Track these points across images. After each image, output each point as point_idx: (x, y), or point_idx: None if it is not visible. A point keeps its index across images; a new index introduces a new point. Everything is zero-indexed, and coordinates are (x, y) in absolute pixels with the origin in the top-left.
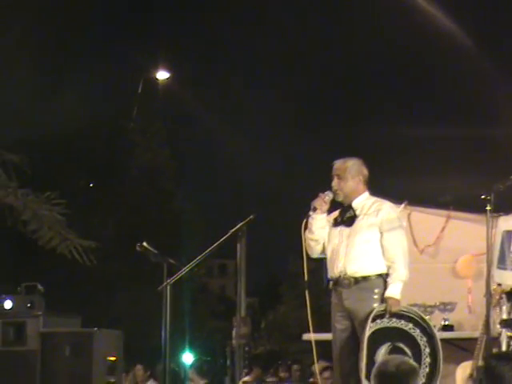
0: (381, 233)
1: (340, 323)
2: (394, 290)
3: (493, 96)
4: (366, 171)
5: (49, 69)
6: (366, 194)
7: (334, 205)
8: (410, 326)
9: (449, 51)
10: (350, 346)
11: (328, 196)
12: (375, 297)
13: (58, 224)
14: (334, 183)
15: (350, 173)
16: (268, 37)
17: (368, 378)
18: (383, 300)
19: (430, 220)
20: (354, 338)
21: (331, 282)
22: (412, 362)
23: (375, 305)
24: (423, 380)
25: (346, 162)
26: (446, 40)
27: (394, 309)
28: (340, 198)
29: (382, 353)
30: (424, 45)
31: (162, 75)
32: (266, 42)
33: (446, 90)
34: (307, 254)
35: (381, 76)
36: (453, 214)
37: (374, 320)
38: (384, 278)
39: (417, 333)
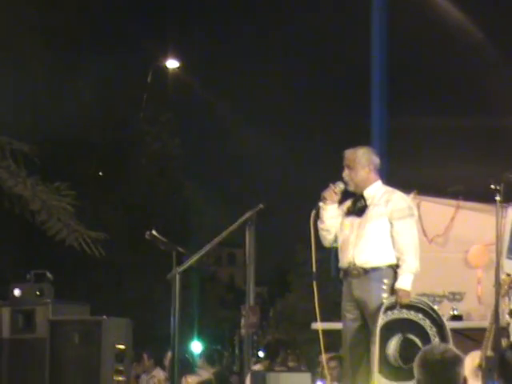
0: (391, 223)
1: (350, 313)
2: (404, 282)
3: (504, 86)
4: (376, 160)
5: (59, 58)
6: (379, 182)
7: (346, 194)
8: (420, 316)
9: (460, 41)
10: (360, 335)
11: (339, 187)
12: (384, 287)
13: (66, 215)
14: (345, 173)
15: (360, 163)
16: (280, 23)
17: (381, 371)
18: (393, 290)
19: (439, 210)
20: (364, 327)
21: (341, 272)
22: (456, 349)
23: (384, 295)
24: None
25: (355, 151)
26: (456, 29)
27: (405, 300)
28: (351, 188)
29: (393, 344)
30: (434, 34)
31: (172, 64)
32: (278, 29)
33: (456, 79)
34: (316, 245)
35: (390, 65)
36: (462, 203)
37: (385, 312)
38: (394, 268)
39: (427, 323)
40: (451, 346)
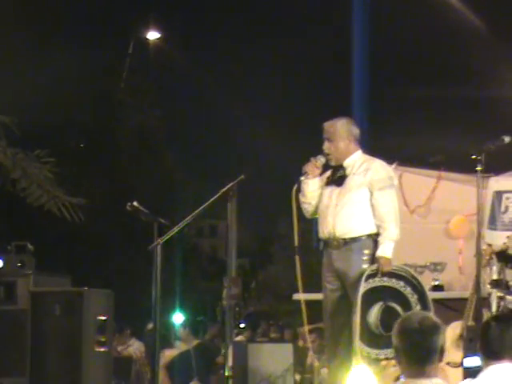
0: (371, 192)
1: (331, 283)
2: (385, 250)
3: (486, 57)
4: (356, 130)
5: (38, 30)
6: (359, 152)
7: (327, 166)
8: (401, 284)
9: (441, 13)
10: (341, 305)
11: (320, 160)
12: (365, 258)
13: (47, 182)
14: (325, 146)
15: (340, 134)
16: None
17: (362, 339)
18: (373, 261)
19: (420, 181)
20: (345, 297)
21: (321, 243)
22: (435, 317)
23: (365, 266)
24: None
25: (334, 123)
26: (440, 1)
27: (386, 268)
28: (333, 162)
29: (374, 312)
30: (415, 7)
31: (153, 35)
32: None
33: (438, 50)
34: (298, 219)
35: (371, 35)
36: (444, 174)
37: (366, 280)
38: (374, 238)
39: (408, 291)
40: (431, 313)
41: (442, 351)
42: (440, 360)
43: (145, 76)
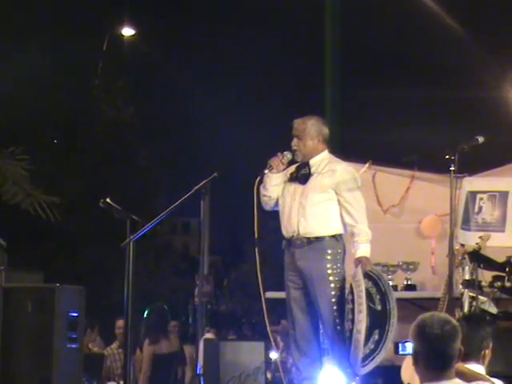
0: (339, 194)
1: (294, 282)
2: (365, 251)
3: (460, 57)
4: (326, 130)
5: (11, 25)
6: (325, 152)
7: (292, 163)
8: (370, 283)
9: (415, 12)
10: (304, 303)
11: (286, 157)
12: (328, 257)
13: (22, 179)
14: (294, 143)
15: (309, 133)
16: None
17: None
18: (336, 261)
19: (394, 180)
20: (308, 296)
21: (284, 242)
22: (453, 319)
23: (328, 265)
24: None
25: (305, 121)
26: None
27: (368, 268)
28: (299, 158)
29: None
30: (388, 6)
31: (128, 32)
32: None
33: (411, 49)
34: (258, 212)
35: (343, 34)
36: (417, 174)
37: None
38: (337, 238)
39: (373, 291)
40: (448, 317)
41: (460, 354)
42: (458, 361)
43: (119, 72)
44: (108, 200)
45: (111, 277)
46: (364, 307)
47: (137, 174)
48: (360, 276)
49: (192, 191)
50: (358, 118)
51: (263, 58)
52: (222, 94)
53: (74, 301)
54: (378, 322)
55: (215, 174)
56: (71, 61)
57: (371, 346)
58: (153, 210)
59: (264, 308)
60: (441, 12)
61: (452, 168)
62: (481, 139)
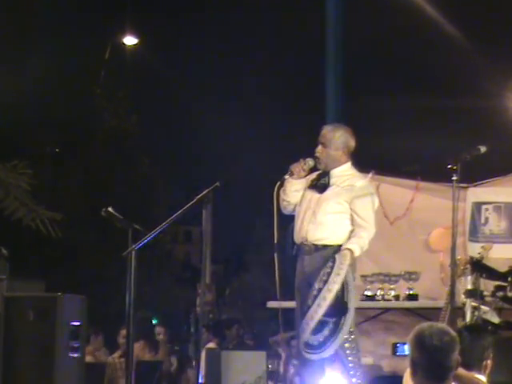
0: (352, 209)
1: (302, 290)
2: (354, 247)
3: (463, 67)
4: (352, 143)
5: (14, 33)
6: (348, 164)
7: (314, 169)
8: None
9: (417, 21)
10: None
11: (308, 164)
12: (330, 264)
13: (23, 194)
14: (318, 150)
15: (335, 143)
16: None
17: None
18: (341, 270)
19: (398, 192)
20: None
21: (295, 248)
22: (452, 331)
23: (328, 271)
24: None
25: (334, 131)
26: (412, 9)
27: (346, 261)
28: (321, 167)
29: None
30: (391, 14)
31: (130, 41)
32: (240, 3)
33: (414, 58)
34: (278, 218)
35: (351, 46)
36: (421, 184)
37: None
38: None
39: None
40: (446, 327)
41: (458, 363)
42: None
43: (121, 81)
44: (110, 209)
45: (113, 286)
46: (335, 287)
47: (138, 183)
48: (346, 264)
49: (194, 200)
50: (359, 127)
51: (265, 65)
52: (224, 103)
53: (75, 310)
54: (337, 311)
55: (218, 183)
56: (73, 70)
57: (326, 332)
58: (154, 218)
59: (280, 314)
60: (444, 22)
61: (454, 178)
62: (483, 149)
